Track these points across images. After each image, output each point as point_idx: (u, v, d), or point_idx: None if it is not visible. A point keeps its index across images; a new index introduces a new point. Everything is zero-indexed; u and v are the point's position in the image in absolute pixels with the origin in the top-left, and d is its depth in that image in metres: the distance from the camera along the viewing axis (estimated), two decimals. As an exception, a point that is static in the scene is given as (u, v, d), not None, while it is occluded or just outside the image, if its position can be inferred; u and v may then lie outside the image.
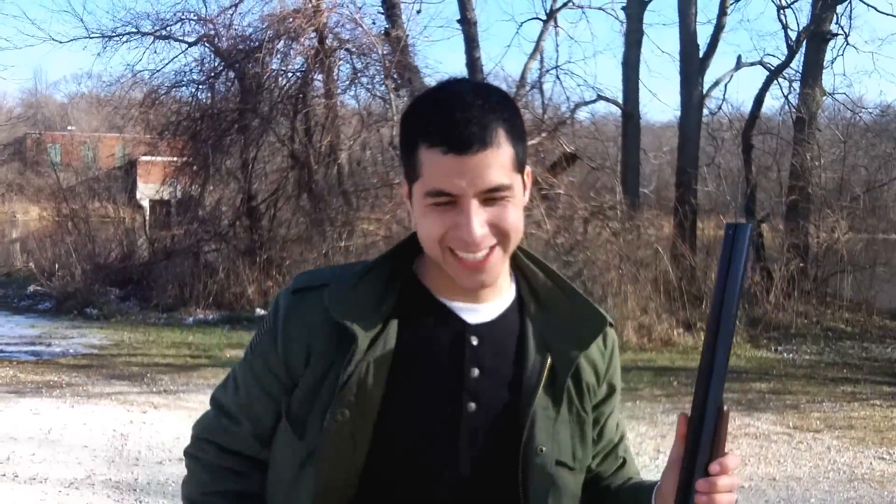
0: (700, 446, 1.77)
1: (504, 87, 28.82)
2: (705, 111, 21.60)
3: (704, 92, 20.84)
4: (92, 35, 21.80)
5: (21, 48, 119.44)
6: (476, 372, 1.90)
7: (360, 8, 19.96)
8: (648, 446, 8.74)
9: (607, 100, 21.72)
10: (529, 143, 17.05)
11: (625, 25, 20.99)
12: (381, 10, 20.31)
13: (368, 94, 20.59)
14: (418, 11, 20.77)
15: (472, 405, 1.89)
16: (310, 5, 19.11)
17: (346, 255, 17.50)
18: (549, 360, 1.94)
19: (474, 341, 1.92)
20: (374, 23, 20.27)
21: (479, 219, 1.79)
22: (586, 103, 22.16)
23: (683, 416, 1.81)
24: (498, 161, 1.80)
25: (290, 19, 18.94)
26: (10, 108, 66.42)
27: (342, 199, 19.27)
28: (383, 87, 19.98)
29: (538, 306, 2.00)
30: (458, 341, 1.91)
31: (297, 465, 1.91)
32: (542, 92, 22.55)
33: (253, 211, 19.66)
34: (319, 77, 19.97)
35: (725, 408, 1.78)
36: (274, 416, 1.97)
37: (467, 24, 20.34)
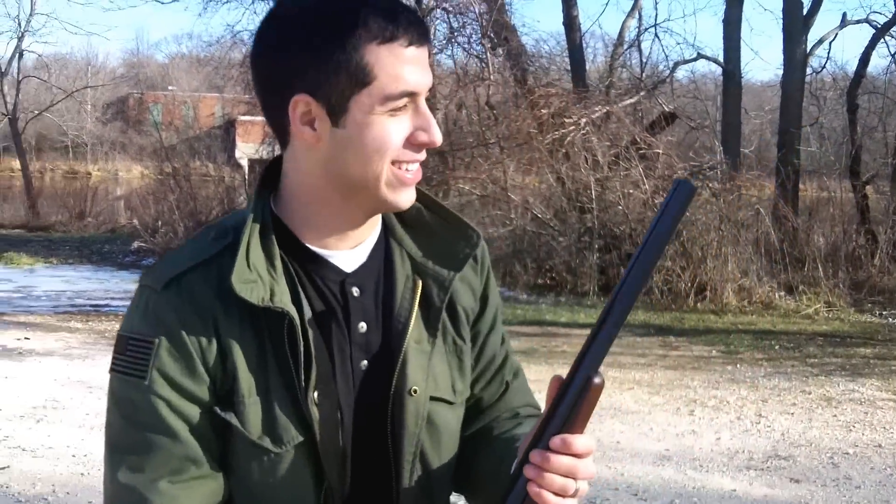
0: (554, 416, 1.52)
1: (601, 46, 28.55)
2: (808, 70, 21.17)
3: (808, 50, 20.42)
4: (193, -5, 22.03)
5: (124, 9, 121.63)
6: (364, 326, 1.70)
7: (457, -33, 19.89)
8: (749, 410, 8.65)
9: (707, 58, 21.43)
10: (628, 101, 17.01)
11: (726, -18, 20.64)
12: (478, -32, 20.21)
13: (465, 53, 20.55)
14: (516, -30, 20.58)
15: (364, 362, 1.69)
16: (408, -36, 19.08)
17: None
18: (419, 286, 1.74)
19: (356, 292, 1.70)
20: (471, -19, 20.19)
21: None
22: (686, 62, 21.90)
23: (556, 379, 1.54)
24: None
25: (388, -21, 18.93)
26: (113, 69, 67.47)
27: (438, 159, 19.28)
28: (480, 47, 19.94)
29: (404, 226, 1.79)
30: (342, 294, 1.69)
31: (282, 475, 1.63)
32: (640, 51, 22.34)
33: (351, 170, 19.75)
34: (417, 37, 19.93)
35: (598, 380, 1.50)
36: (212, 427, 1.61)
37: (566, -18, 20.14)
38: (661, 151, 16.67)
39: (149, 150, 42.03)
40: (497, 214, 16.96)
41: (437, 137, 1.62)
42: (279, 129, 1.65)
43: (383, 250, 1.75)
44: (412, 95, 1.60)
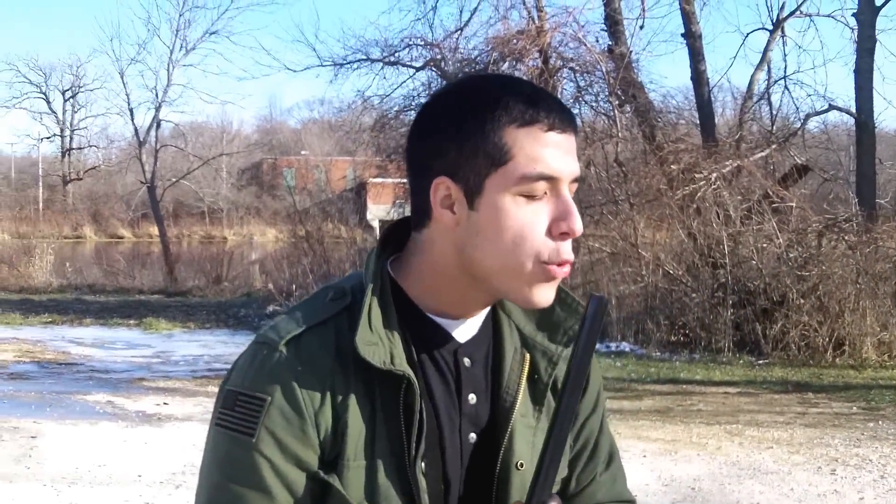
0: None
1: (730, 99, 28.22)
2: (945, 117, 20.66)
3: (944, 97, 19.94)
4: (324, 63, 22.53)
5: (257, 78, 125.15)
6: (473, 398, 1.67)
7: (582, 26, 19.96)
8: (893, 469, 8.41)
9: (840, 109, 21.03)
10: (759, 155, 16.81)
11: (856, 32, 20.28)
12: (603, 27, 20.25)
13: (593, 111, 20.59)
14: (641, 27, 20.59)
15: (473, 435, 1.67)
16: (533, 26, 19.24)
17: (572, 272, 17.47)
18: (527, 360, 1.72)
19: (467, 363, 1.67)
20: (597, 40, 20.25)
21: None
22: (817, 113, 21.52)
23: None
24: None
25: (515, 41, 19.11)
26: (248, 135, 68.98)
27: (567, 217, 19.24)
28: (608, 104, 19.94)
29: None
30: (454, 364, 1.67)
31: None
32: (770, 103, 22.06)
33: (481, 230, 19.85)
34: (544, 96, 20.04)
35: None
36: (311, 495, 1.58)
37: (692, 37, 20.05)
38: (794, 205, 16.42)
39: (282, 213, 42.97)
40: (628, 271, 16.86)
41: (577, 227, 1.57)
42: (421, 211, 1.64)
43: (492, 321, 1.73)
44: (551, 180, 1.57)
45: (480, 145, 1.56)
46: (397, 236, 1.73)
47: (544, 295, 1.62)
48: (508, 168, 1.55)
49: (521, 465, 1.68)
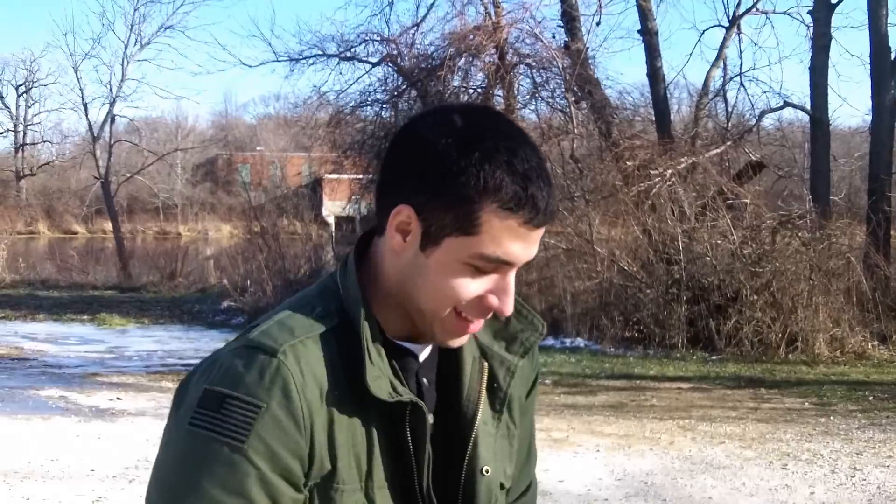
0: None
1: (686, 95, 28.30)
2: (898, 115, 20.85)
3: (897, 95, 20.13)
4: (280, 58, 22.46)
5: (213, 73, 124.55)
6: (431, 418, 1.65)
7: (539, 22, 20.03)
8: (844, 464, 8.47)
9: (795, 106, 21.21)
10: (714, 151, 16.87)
11: (811, 29, 20.46)
12: (560, 23, 20.32)
13: (549, 107, 20.65)
14: (598, 23, 20.67)
15: (429, 448, 1.65)
16: (490, 22, 19.27)
17: (527, 268, 17.51)
18: (486, 369, 1.74)
19: (426, 383, 1.68)
20: (553, 36, 20.32)
21: None
22: (772, 110, 21.69)
23: None
24: None
25: (471, 37, 19.11)
26: (203, 131, 68.68)
27: (524, 213, 19.28)
28: (564, 101, 20.00)
29: None
30: (417, 386, 1.68)
31: None
32: (725, 100, 22.23)
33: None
34: (500, 92, 20.09)
35: None
36: None
37: (648, 34, 20.14)
38: (748, 201, 16.52)
39: (237, 209, 42.71)
40: (583, 268, 16.90)
41: (508, 309, 1.61)
42: (381, 216, 1.63)
43: None
44: (505, 264, 1.58)
45: (455, 206, 1.54)
46: (363, 245, 1.72)
47: (455, 342, 1.66)
48: (472, 240, 1.55)
49: (487, 470, 1.69)
